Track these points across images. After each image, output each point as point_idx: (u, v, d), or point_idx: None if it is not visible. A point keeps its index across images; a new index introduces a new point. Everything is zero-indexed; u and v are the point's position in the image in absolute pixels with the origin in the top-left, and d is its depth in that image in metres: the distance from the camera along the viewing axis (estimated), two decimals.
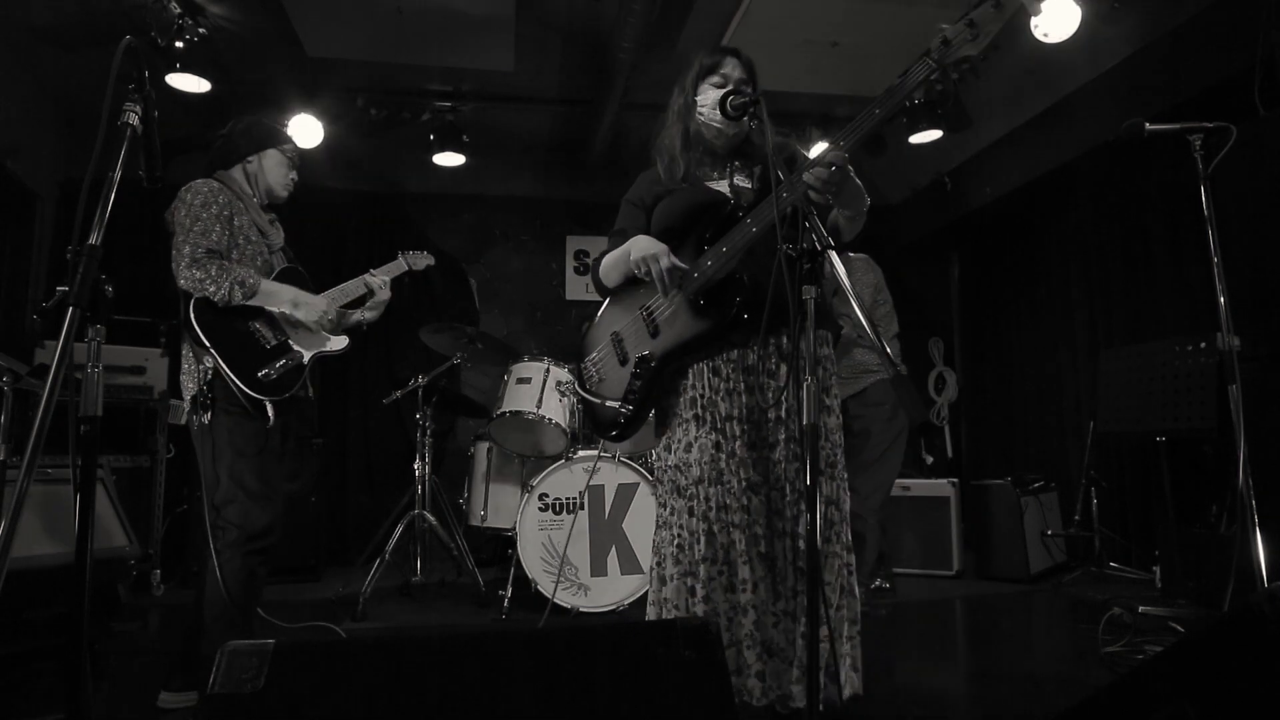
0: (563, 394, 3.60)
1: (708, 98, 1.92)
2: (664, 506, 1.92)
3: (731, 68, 1.94)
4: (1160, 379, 3.44)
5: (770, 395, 1.86)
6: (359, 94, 4.64)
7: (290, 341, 2.32)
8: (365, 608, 3.40)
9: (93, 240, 1.31)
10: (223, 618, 2.14)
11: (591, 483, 3.41)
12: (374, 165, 5.46)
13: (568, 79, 4.74)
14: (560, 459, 3.48)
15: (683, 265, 1.85)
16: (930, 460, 6.03)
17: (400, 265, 2.82)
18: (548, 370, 3.64)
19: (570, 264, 6.01)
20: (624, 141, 5.10)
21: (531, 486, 3.42)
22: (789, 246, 1.52)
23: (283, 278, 2.37)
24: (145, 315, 4.31)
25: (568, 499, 3.42)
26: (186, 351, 2.25)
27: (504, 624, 3.27)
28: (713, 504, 1.81)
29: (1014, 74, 4.40)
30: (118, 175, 1.37)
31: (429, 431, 3.94)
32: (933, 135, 4.77)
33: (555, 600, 3.25)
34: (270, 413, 2.21)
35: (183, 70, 3.97)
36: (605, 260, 2.03)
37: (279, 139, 2.46)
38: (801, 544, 1.78)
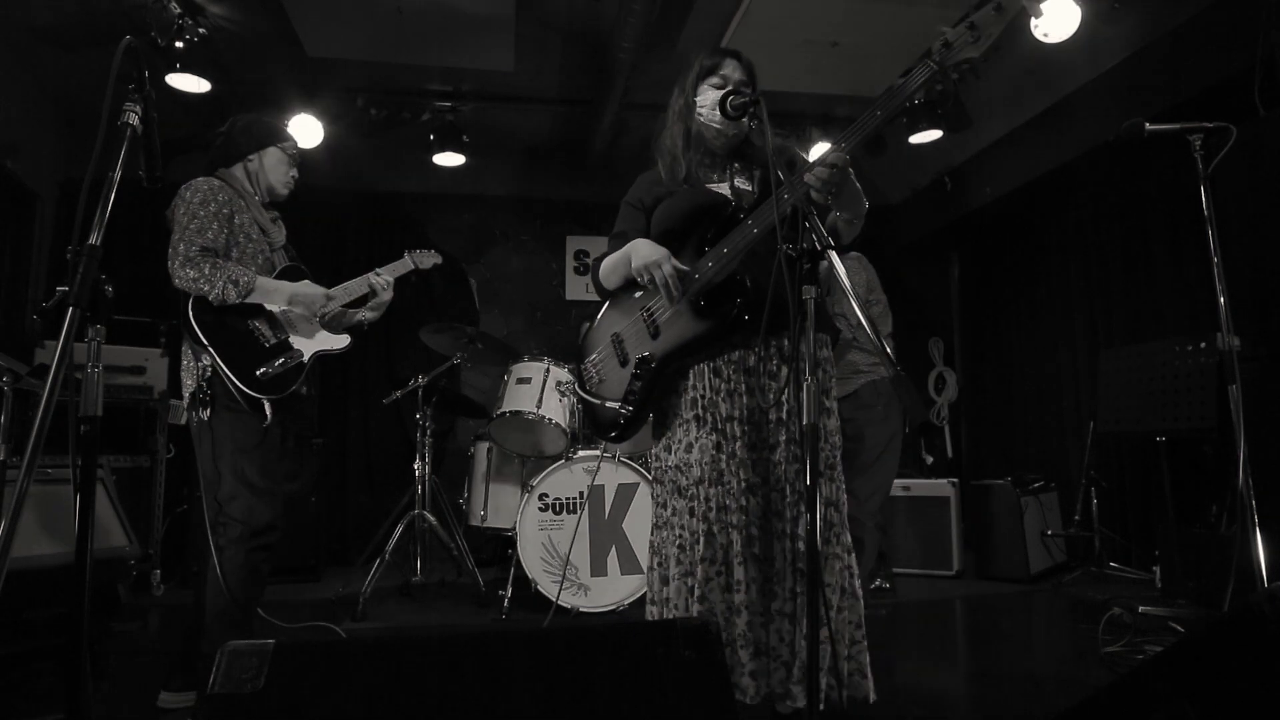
0: (563, 394, 3.60)
1: (707, 98, 1.92)
2: (664, 507, 1.92)
3: (731, 69, 1.94)
4: (1160, 379, 3.44)
5: (771, 397, 1.86)
6: (359, 94, 4.64)
7: (290, 340, 2.32)
8: (365, 608, 3.40)
9: (93, 240, 1.31)
10: (224, 615, 2.13)
11: (592, 483, 3.41)
12: (374, 165, 5.46)
13: (568, 79, 4.74)
14: (560, 459, 3.48)
15: (684, 269, 1.85)
16: (930, 460, 6.03)
17: (406, 264, 2.80)
18: (548, 370, 3.64)
19: (570, 264, 6.01)
20: (624, 141, 5.10)
21: (531, 486, 3.42)
22: (789, 247, 1.52)
23: (284, 276, 2.37)
24: (145, 315, 4.31)
25: (568, 499, 3.42)
26: (186, 349, 2.25)
27: (504, 624, 3.28)
28: (713, 504, 1.81)
29: (1014, 74, 4.41)
30: (118, 175, 1.37)
31: (429, 431, 3.94)
32: (933, 135, 4.77)
33: (558, 602, 3.25)
34: (268, 411, 2.21)
35: (183, 70, 3.96)
36: (605, 263, 2.03)
37: (279, 136, 2.46)
38: (801, 545, 1.78)
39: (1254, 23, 3.21)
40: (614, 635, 1.25)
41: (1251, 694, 1.06)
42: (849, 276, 1.47)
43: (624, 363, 1.98)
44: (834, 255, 1.49)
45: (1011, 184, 5.05)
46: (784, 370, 1.88)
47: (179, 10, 3.75)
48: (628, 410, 1.95)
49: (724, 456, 1.83)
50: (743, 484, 1.81)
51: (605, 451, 3.44)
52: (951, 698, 2.49)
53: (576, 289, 5.96)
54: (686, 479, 1.87)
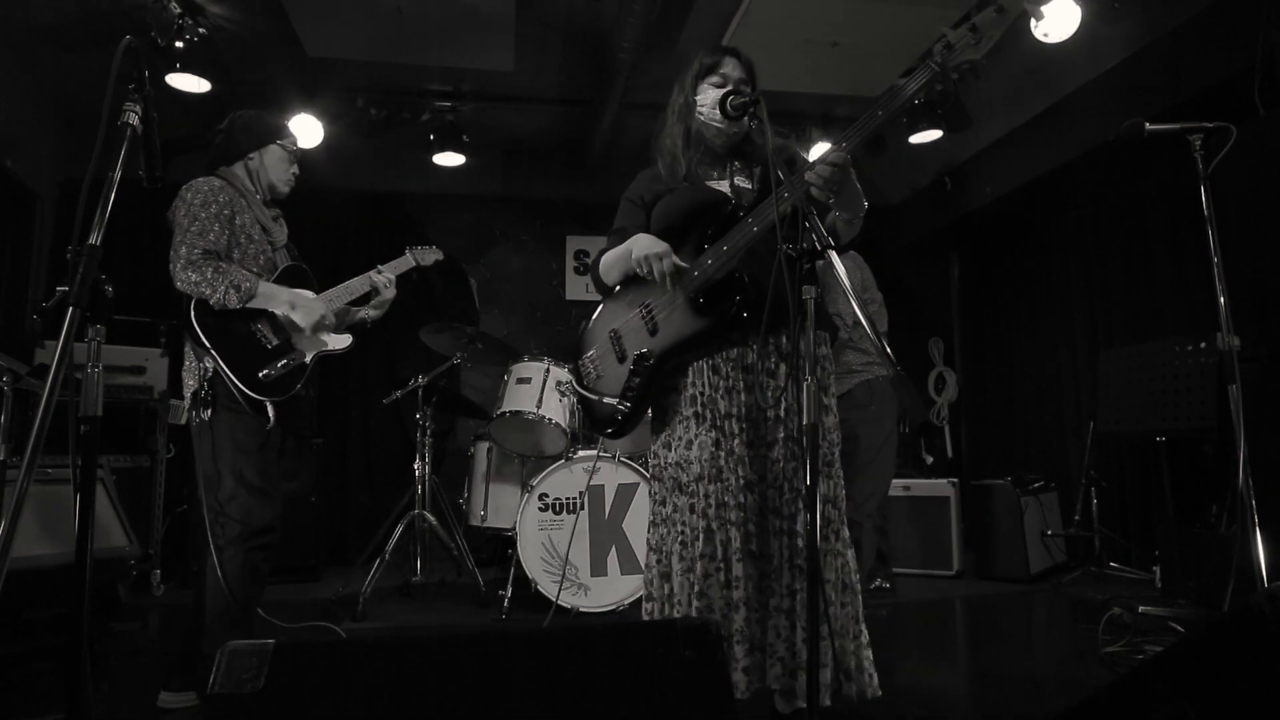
0: (563, 394, 3.60)
1: (707, 97, 1.93)
2: (663, 504, 1.93)
3: (731, 67, 1.95)
4: (1160, 379, 3.44)
5: (770, 395, 1.86)
6: (359, 94, 4.64)
7: (292, 341, 2.31)
8: (365, 608, 3.40)
9: (93, 240, 1.31)
10: (224, 616, 2.13)
11: (591, 483, 3.41)
12: (374, 165, 5.46)
13: (568, 79, 4.74)
14: (560, 459, 3.48)
15: (683, 265, 1.86)
16: (930, 460, 6.04)
17: (408, 261, 2.79)
18: (548, 370, 3.64)
19: (570, 264, 6.01)
20: (624, 141, 5.10)
21: (531, 486, 3.42)
22: (789, 246, 1.52)
23: (286, 275, 2.36)
24: (145, 315, 4.31)
25: (568, 499, 3.42)
26: (188, 349, 2.25)
27: (504, 624, 3.27)
28: (712, 501, 1.82)
29: (1014, 74, 4.41)
30: (118, 175, 1.37)
31: (429, 431, 3.94)
32: (933, 135, 4.77)
33: (558, 602, 3.25)
34: (271, 414, 2.20)
35: (183, 70, 3.96)
36: (605, 258, 2.03)
37: (280, 133, 2.44)
38: (800, 542, 1.78)
39: (1254, 23, 3.21)
40: (614, 635, 1.25)
41: (1251, 694, 1.06)
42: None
43: (622, 359, 1.98)
44: (833, 255, 1.50)
45: (1011, 184, 5.05)
46: (782, 368, 1.88)
47: (179, 10, 3.75)
48: (625, 406, 1.95)
49: (723, 454, 1.84)
50: (741, 481, 1.82)
51: (605, 451, 3.44)
52: (951, 698, 2.49)
53: (576, 289, 5.96)
54: (687, 475, 1.87)
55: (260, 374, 2.19)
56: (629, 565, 3.37)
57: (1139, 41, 3.96)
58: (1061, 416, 5.18)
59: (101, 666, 2.59)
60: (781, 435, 1.85)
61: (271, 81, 4.47)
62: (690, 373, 1.91)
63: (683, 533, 1.86)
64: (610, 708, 1.14)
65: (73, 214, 1.34)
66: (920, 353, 6.32)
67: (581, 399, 2.10)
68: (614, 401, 1.97)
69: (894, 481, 4.42)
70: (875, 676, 1.83)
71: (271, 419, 2.20)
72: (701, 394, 1.88)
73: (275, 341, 2.27)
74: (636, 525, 3.38)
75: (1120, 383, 3.66)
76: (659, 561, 1.91)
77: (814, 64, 4.35)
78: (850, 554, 1.88)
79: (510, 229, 6.00)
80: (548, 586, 3.30)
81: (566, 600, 3.31)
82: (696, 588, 1.79)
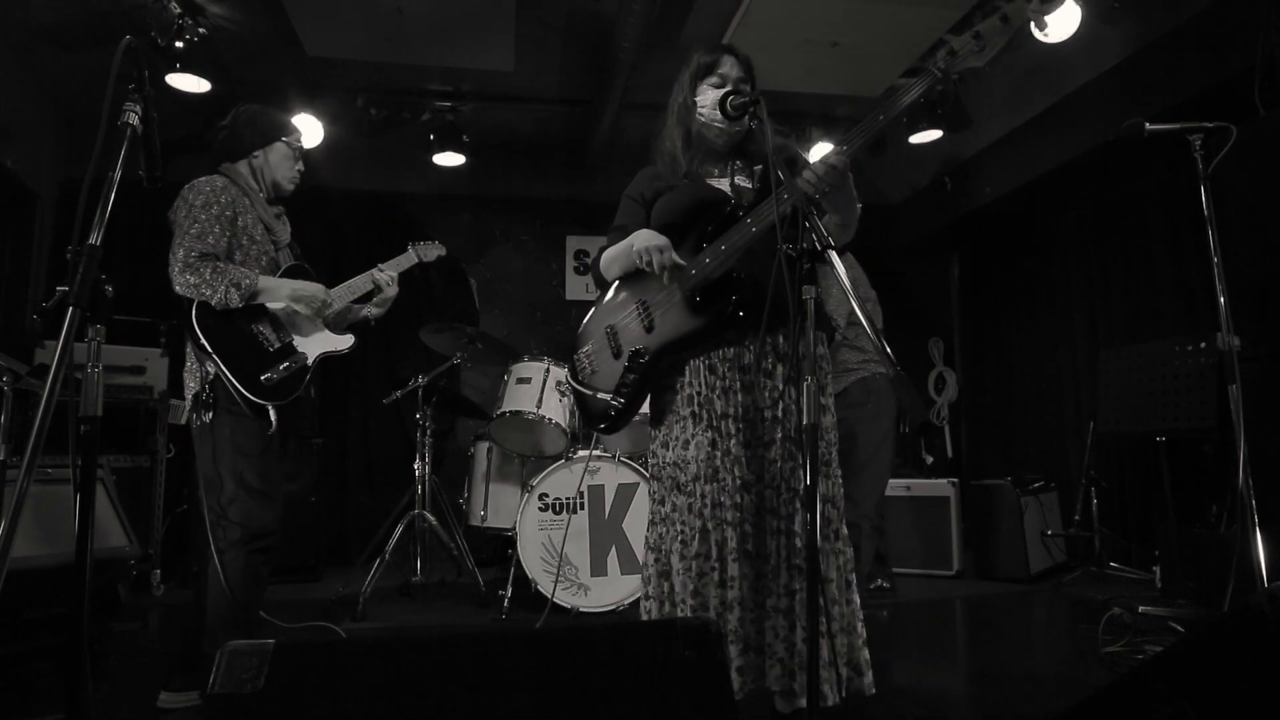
0: (563, 394, 3.60)
1: (707, 98, 1.93)
2: (662, 503, 1.93)
3: (729, 66, 1.95)
4: (1160, 379, 3.44)
5: (767, 395, 1.87)
6: (359, 94, 4.64)
7: (294, 344, 2.30)
8: (365, 608, 3.40)
9: (93, 240, 1.31)
10: (227, 618, 2.13)
11: (592, 483, 3.41)
12: (374, 165, 5.46)
13: (568, 79, 4.74)
14: (560, 459, 3.48)
15: (682, 263, 1.86)
16: (930, 460, 6.04)
17: (410, 258, 2.76)
18: (548, 370, 3.64)
19: (570, 264, 6.01)
20: (624, 141, 5.10)
21: (531, 486, 3.42)
22: (789, 246, 1.53)
23: (288, 275, 2.35)
24: (145, 315, 4.31)
25: (568, 499, 3.42)
26: (189, 350, 2.24)
27: (504, 624, 3.27)
28: (708, 501, 1.82)
29: (1014, 74, 4.41)
30: (118, 175, 1.37)
31: (429, 431, 3.94)
32: (933, 135, 4.77)
33: (556, 600, 3.25)
34: (273, 418, 2.19)
35: (183, 70, 3.97)
36: (605, 254, 2.04)
37: (285, 130, 2.42)
38: (798, 542, 1.79)
39: (1254, 23, 3.21)
40: (614, 635, 1.25)
41: (1251, 694, 1.06)
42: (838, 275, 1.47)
43: (617, 355, 1.99)
44: (834, 255, 1.50)
45: (1011, 184, 5.05)
46: (780, 368, 1.89)
47: (179, 10, 3.76)
48: (619, 403, 1.95)
49: (719, 454, 1.84)
50: (737, 481, 1.82)
51: (605, 450, 3.44)
52: (951, 697, 2.49)
53: (576, 289, 5.95)
54: (684, 475, 1.87)
55: (262, 377, 2.18)
56: (629, 565, 3.37)
57: (1139, 41, 3.96)
58: (1061, 416, 5.18)
59: (101, 666, 2.59)
60: (779, 435, 1.85)
61: (271, 81, 4.47)
62: (687, 372, 1.91)
63: (682, 532, 1.86)
64: (610, 708, 1.14)
65: (73, 214, 1.34)
66: (920, 353, 6.32)
67: (575, 394, 2.11)
68: (607, 397, 1.97)
69: (894, 481, 4.43)
70: (871, 674, 1.83)
71: (273, 422, 2.19)
72: (698, 394, 1.88)
73: (277, 344, 2.26)
74: (636, 525, 3.38)
75: (1120, 383, 3.66)
76: (658, 560, 1.91)
77: (814, 64, 4.35)
78: (850, 552, 1.89)
79: (510, 229, 6.00)
80: (548, 586, 3.30)
81: (567, 600, 3.31)
82: (691, 586, 1.80)
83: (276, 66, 4.43)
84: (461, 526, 4.01)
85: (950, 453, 6.18)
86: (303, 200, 2.56)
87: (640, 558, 3.32)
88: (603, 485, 3.43)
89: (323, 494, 4.54)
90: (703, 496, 1.83)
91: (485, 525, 3.89)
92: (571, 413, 3.62)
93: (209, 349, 2.14)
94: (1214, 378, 3.16)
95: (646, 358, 1.92)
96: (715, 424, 1.86)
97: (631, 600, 3.33)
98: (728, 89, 1.90)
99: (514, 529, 3.41)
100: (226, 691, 1.03)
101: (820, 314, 1.53)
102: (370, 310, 2.53)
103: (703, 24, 4.09)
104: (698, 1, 3.95)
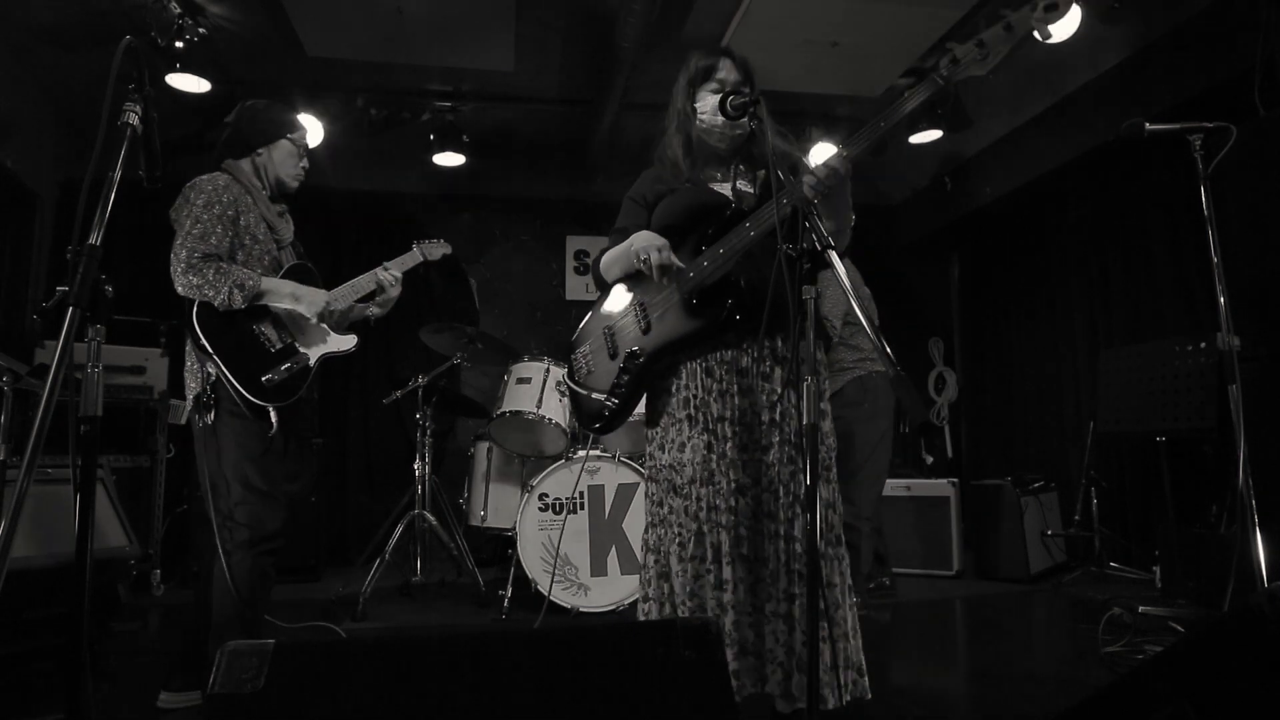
0: (563, 394, 3.60)
1: (707, 104, 1.93)
2: (660, 505, 1.93)
3: (727, 70, 1.95)
4: (1160, 379, 3.44)
5: (765, 398, 1.87)
6: (359, 94, 4.63)
7: (296, 344, 2.29)
8: (365, 608, 3.40)
9: (93, 240, 1.31)
10: (234, 619, 2.12)
11: (591, 483, 3.41)
12: (374, 165, 5.46)
13: (568, 79, 4.74)
14: (560, 459, 3.48)
15: (680, 266, 1.86)
16: (930, 460, 6.04)
17: (415, 256, 2.74)
18: (548, 370, 3.64)
19: (570, 264, 6.01)
20: (624, 141, 5.10)
21: (531, 486, 3.42)
22: (789, 247, 1.53)
23: (291, 275, 2.33)
24: (145, 315, 4.31)
25: (568, 499, 3.42)
26: (189, 350, 2.22)
27: (504, 624, 3.28)
28: (703, 504, 1.82)
29: (1014, 74, 4.40)
30: (118, 175, 1.36)
31: (429, 431, 3.94)
32: (933, 135, 4.77)
33: (556, 600, 3.25)
34: (274, 419, 2.18)
35: (183, 70, 3.96)
36: (606, 256, 2.04)
37: (289, 127, 2.39)
38: (798, 547, 1.79)
39: (1254, 23, 3.22)
40: (614, 635, 1.25)
41: (1251, 694, 1.06)
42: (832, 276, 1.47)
43: (613, 355, 1.99)
44: (834, 255, 1.50)
45: (1011, 184, 5.05)
46: (778, 371, 1.89)
47: (179, 10, 3.75)
48: (613, 403, 1.95)
49: (714, 457, 1.84)
50: (733, 484, 1.82)
51: (605, 451, 3.44)
52: (951, 698, 2.49)
53: (576, 289, 5.96)
54: (680, 478, 1.87)
55: (263, 378, 2.17)
56: (629, 565, 3.37)
57: (1139, 41, 3.96)
58: (1061, 416, 5.18)
59: (101, 666, 2.59)
60: (777, 439, 1.85)
61: (271, 81, 4.47)
62: (683, 375, 1.91)
63: (679, 534, 1.86)
64: (610, 708, 1.14)
65: (73, 214, 1.34)
66: (920, 353, 6.32)
67: (571, 393, 2.11)
68: (601, 397, 1.97)
69: (894, 481, 4.43)
70: (866, 679, 1.84)
71: (274, 424, 2.18)
72: (694, 396, 1.89)
73: (278, 345, 2.25)
74: (636, 525, 3.38)
75: (1120, 383, 3.66)
76: (657, 561, 1.91)
77: (814, 64, 4.35)
78: (848, 557, 1.89)
79: (510, 229, 6.00)
80: (548, 586, 3.30)
81: (567, 600, 3.31)
82: (689, 588, 1.80)
83: (276, 66, 4.43)
84: (461, 526, 4.01)
85: (950, 453, 6.18)
86: (303, 200, 2.54)
87: (640, 558, 3.34)
88: (602, 485, 3.43)
89: (323, 494, 4.54)
90: (698, 499, 1.83)
91: (485, 525, 3.89)
92: (571, 413, 3.62)
93: (210, 349, 2.13)
94: (1214, 378, 3.16)
95: (642, 359, 1.92)
96: (711, 427, 1.86)
97: (631, 600, 3.33)
98: (727, 91, 1.90)
99: (514, 529, 3.41)
100: (226, 691, 1.03)
101: (816, 318, 1.52)
102: (372, 309, 2.53)
103: (703, 24, 4.09)
104: (698, 1, 3.95)
